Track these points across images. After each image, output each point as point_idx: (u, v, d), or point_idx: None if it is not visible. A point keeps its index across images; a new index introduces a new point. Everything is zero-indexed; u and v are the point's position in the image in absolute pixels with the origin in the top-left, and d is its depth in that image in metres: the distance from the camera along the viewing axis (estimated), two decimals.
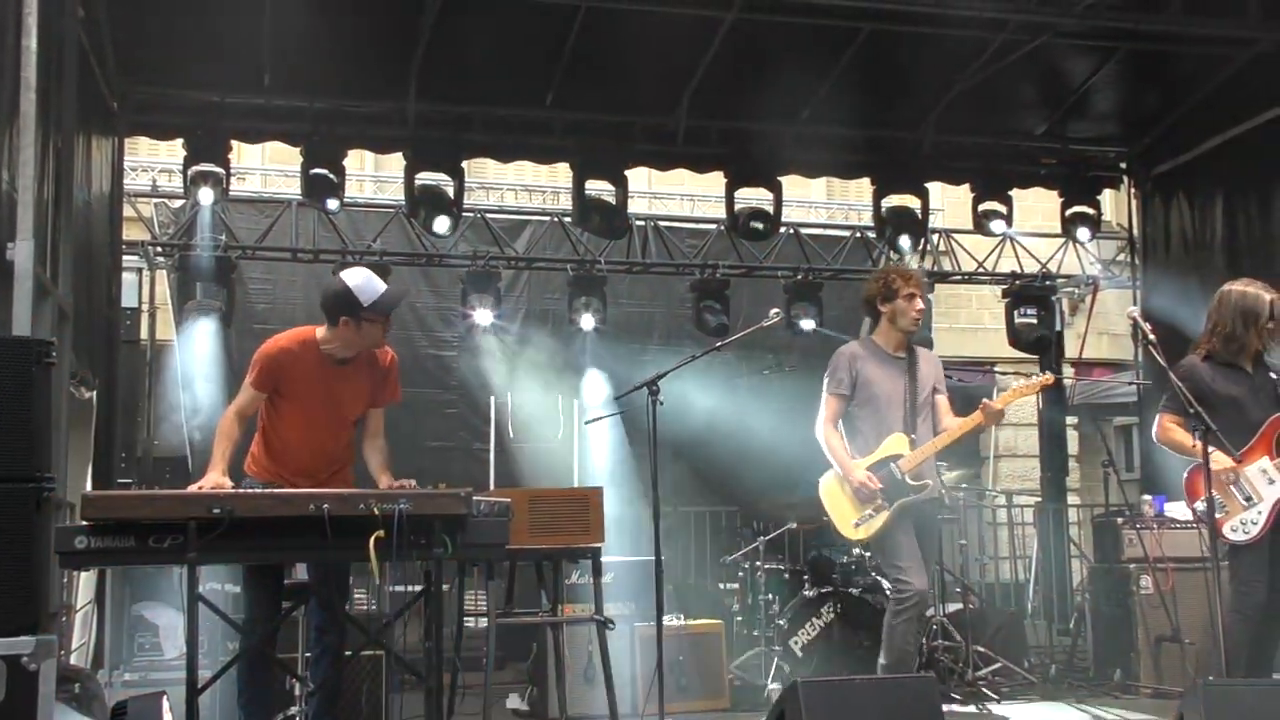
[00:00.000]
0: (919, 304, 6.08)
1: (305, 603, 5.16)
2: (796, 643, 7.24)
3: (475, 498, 4.66)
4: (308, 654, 5.24)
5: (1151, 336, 5.61)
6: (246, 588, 5.01)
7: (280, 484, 5.01)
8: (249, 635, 4.88)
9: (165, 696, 4.00)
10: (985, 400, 5.95)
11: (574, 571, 6.88)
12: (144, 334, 10.69)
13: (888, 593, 7.36)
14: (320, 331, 5.23)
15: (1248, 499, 5.49)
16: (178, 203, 10.77)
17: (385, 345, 5.32)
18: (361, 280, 5.11)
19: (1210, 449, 5.34)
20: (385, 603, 8.00)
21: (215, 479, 4.80)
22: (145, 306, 10.66)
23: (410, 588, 8.35)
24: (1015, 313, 10.48)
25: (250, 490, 4.79)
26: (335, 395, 5.16)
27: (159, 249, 10.17)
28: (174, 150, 11.30)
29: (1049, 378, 6.16)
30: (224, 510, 4.30)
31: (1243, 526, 5.47)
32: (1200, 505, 5.54)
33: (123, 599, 8.58)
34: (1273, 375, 5.74)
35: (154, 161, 11.73)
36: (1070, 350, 11.55)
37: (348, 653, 5.25)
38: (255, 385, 5.13)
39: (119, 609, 8.43)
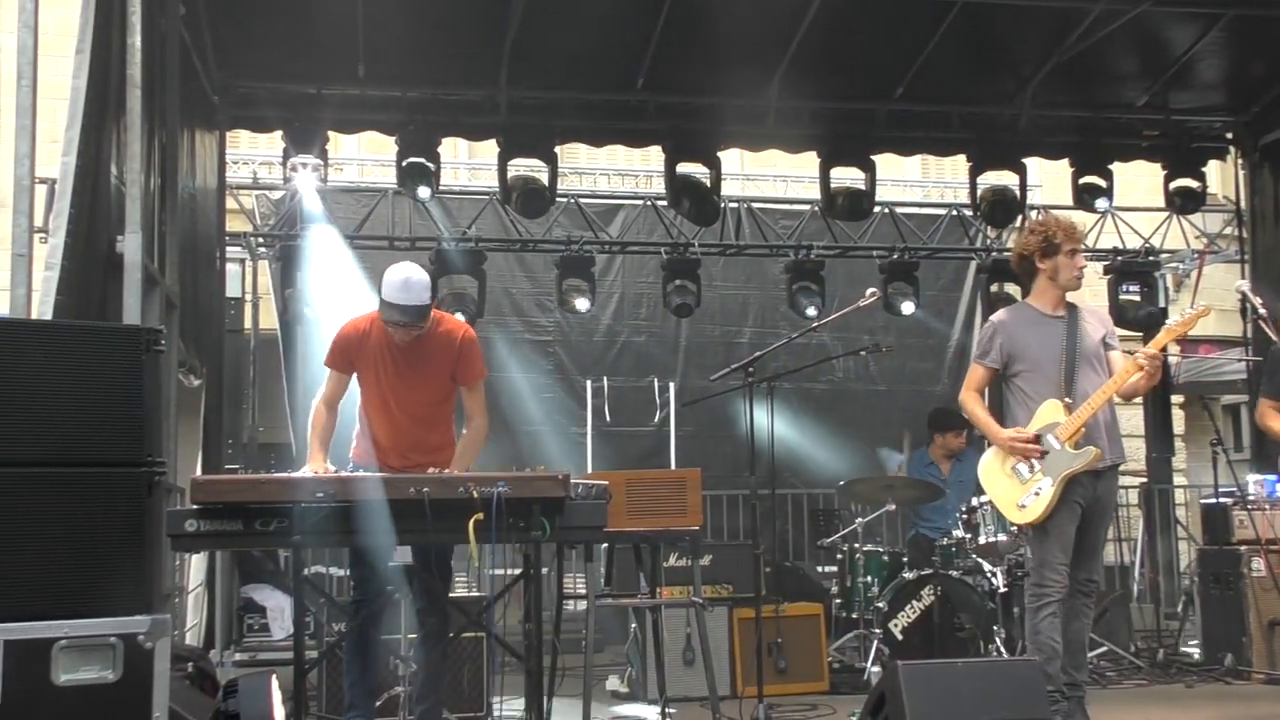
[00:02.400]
0: (1081, 260, 5.55)
1: (409, 585, 5.22)
2: (896, 625, 7.17)
3: (573, 480, 4.68)
4: (411, 635, 5.32)
5: (1262, 311, 5.46)
6: (353, 570, 5.09)
7: (383, 460, 5.09)
8: (354, 617, 4.97)
9: (274, 676, 4.09)
10: (1140, 351, 5.37)
11: (671, 554, 6.88)
12: (247, 323, 10.95)
13: (987, 574, 7.32)
14: None
15: None
16: (278, 194, 10.98)
17: (454, 321, 5.36)
18: (395, 279, 5.04)
19: None
20: (485, 585, 8.11)
21: (314, 468, 4.89)
22: (248, 296, 10.92)
23: (509, 571, 8.48)
24: (1118, 289, 10.26)
25: (351, 474, 4.86)
26: (408, 371, 5.20)
27: (261, 240, 10.38)
28: (274, 142, 11.50)
29: (1205, 309, 5.49)
30: (327, 494, 4.38)
31: None
32: None
33: (232, 582, 8.82)
34: None
35: (254, 154, 11.95)
36: None
37: (450, 635, 5.32)
38: (330, 364, 5.24)
39: (228, 591, 8.66)
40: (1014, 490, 5.46)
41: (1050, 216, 5.73)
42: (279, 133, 9.26)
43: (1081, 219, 10.22)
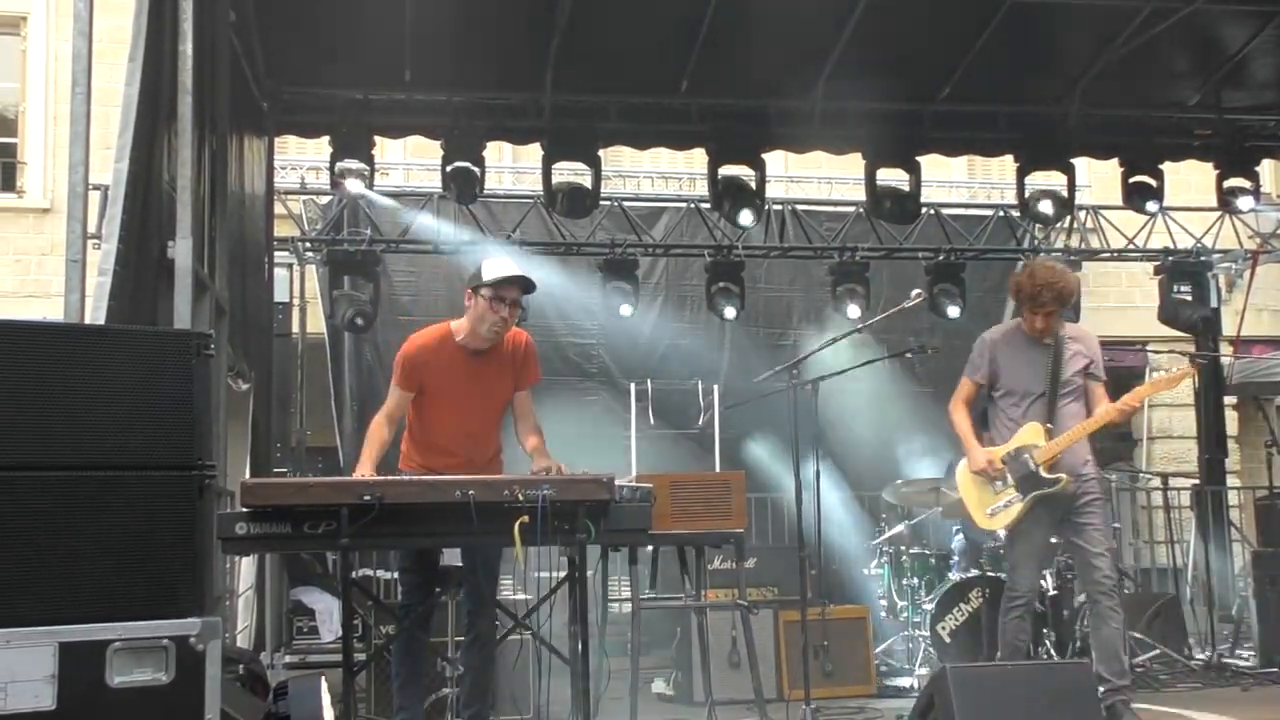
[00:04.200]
0: (1040, 324, 5.81)
1: (456, 588, 5.25)
2: (944, 628, 7.14)
3: (618, 483, 4.69)
4: (458, 638, 5.34)
5: None
6: (402, 573, 5.13)
7: (436, 472, 5.10)
8: (403, 619, 5.00)
9: (324, 678, 4.13)
10: (1122, 400, 5.72)
11: (716, 556, 6.87)
12: (295, 328, 11.04)
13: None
14: (457, 323, 5.34)
15: None
16: (325, 199, 11.07)
17: (514, 330, 5.37)
18: (495, 260, 5.25)
19: None
20: (530, 588, 8.13)
21: (362, 474, 4.92)
22: (296, 301, 11.01)
23: (554, 574, 8.50)
24: (1169, 290, 10.15)
25: (399, 478, 4.88)
26: (479, 383, 5.24)
27: (308, 244, 10.47)
28: (320, 148, 11.58)
29: (1189, 369, 6.03)
30: (374, 497, 4.41)
31: None
32: None
33: (281, 585, 8.89)
34: None
35: (301, 160, 12.06)
36: (1228, 328, 11.13)
37: (497, 638, 5.34)
38: (401, 385, 5.22)
39: (278, 594, 8.73)
40: (986, 498, 5.85)
41: (1036, 273, 5.90)
42: (324, 138, 9.35)
43: (1132, 218, 10.24)
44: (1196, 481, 10.65)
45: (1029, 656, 6.45)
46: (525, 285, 5.27)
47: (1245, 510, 10.84)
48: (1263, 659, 7.71)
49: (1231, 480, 11.96)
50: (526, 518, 4.44)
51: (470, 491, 4.45)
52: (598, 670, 5.61)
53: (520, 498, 4.47)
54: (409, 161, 12.56)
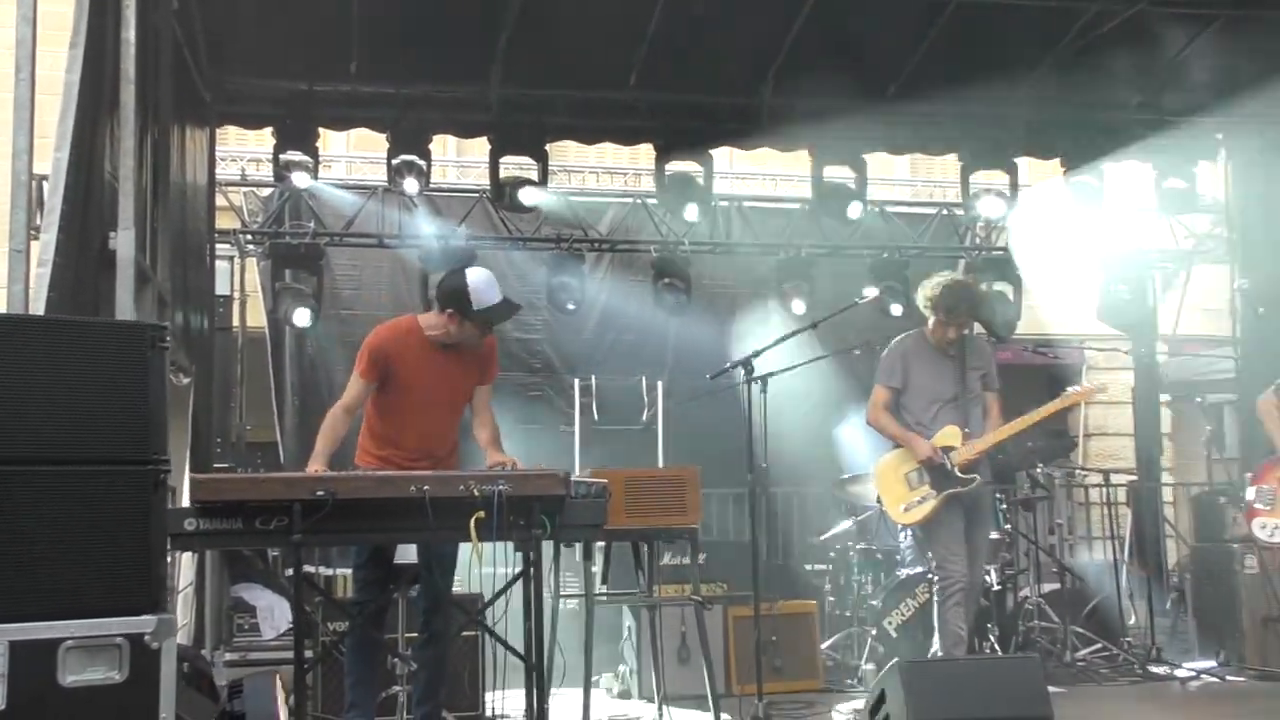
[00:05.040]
0: (952, 334, 6.28)
1: (410, 585, 5.20)
2: (891, 623, 7.19)
3: (573, 478, 4.67)
4: (409, 635, 5.29)
5: (1261, 310, 5.46)
6: (356, 569, 5.07)
7: (394, 468, 5.05)
8: (357, 616, 4.94)
9: (278, 675, 4.07)
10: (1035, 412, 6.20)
11: (666, 552, 6.86)
12: (235, 321, 10.88)
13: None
14: (424, 318, 5.32)
15: None
16: (266, 191, 10.92)
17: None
18: (481, 283, 5.16)
19: None
20: (476, 584, 8.08)
21: (315, 469, 4.85)
22: (237, 294, 10.85)
23: (508, 569, 8.45)
24: (1107, 288, 10.29)
25: (353, 473, 4.82)
26: (444, 376, 5.21)
27: (249, 237, 10.32)
28: (262, 139, 11.43)
29: (1088, 389, 6.43)
30: (327, 492, 4.35)
31: (1276, 527, 5.36)
32: (1252, 491, 5.52)
33: (221, 582, 8.76)
34: None
35: (243, 151, 11.89)
36: (1164, 326, 11.30)
37: (452, 635, 5.31)
38: (365, 375, 5.15)
39: (218, 591, 8.60)
40: (903, 494, 6.21)
41: (953, 287, 6.39)
42: (267, 129, 9.23)
43: (1071, 218, 10.35)
44: (1134, 478, 10.80)
45: (971, 644, 6.63)
46: (512, 312, 5.37)
47: (1178, 506, 11.03)
48: (1200, 652, 7.84)
49: (1166, 477, 12.14)
50: (482, 513, 4.41)
51: (425, 487, 4.42)
52: (550, 666, 5.58)
53: (476, 493, 4.44)
54: (352, 154, 12.44)
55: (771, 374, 6.30)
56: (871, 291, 6.48)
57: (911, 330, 6.70)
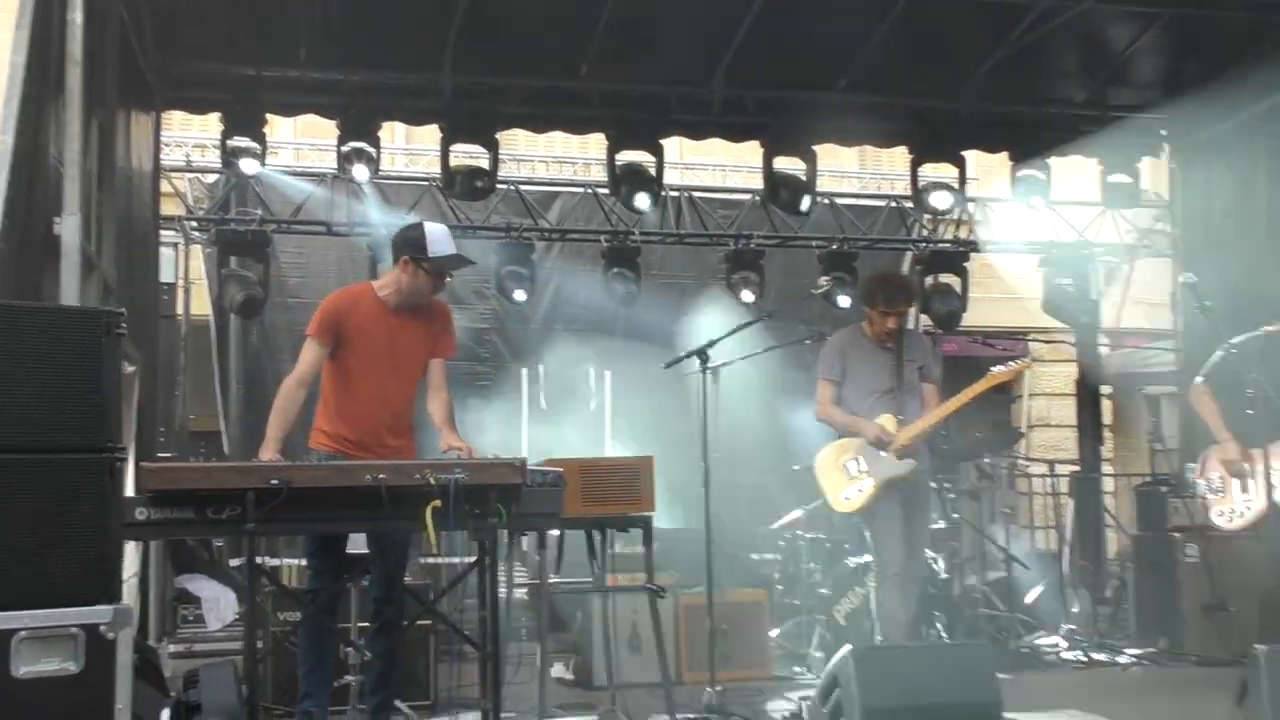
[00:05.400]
0: (890, 324, 6.33)
1: (362, 574, 5.18)
2: (840, 611, 7.24)
3: (529, 467, 4.67)
4: (360, 624, 5.27)
5: (1208, 303, 5.55)
6: (309, 558, 5.03)
7: (348, 450, 5.02)
8: (310, 605, 4.91)
9: (234, 665, 4.04)
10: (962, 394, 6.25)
11: (617, 541, 6.87)
12: (179, 309, 10.75)
13: (928, 560, 7.46)
14: (378, 281, 5.35)
15: (1245, 490, 5.45)
16: (211, 177, 10.80)
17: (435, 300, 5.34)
18: (437, 233, 5.21)
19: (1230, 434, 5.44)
20: (427, 574, 8.06)
21: (268, 456, 4.80)
22: (181, 282, 10.72)
23: (452, 560, 8.43)
24: (1052, 282, 10.42)
25: (307, 462, 4.78)
26: (396, 342, 5.20)
27: (195, 224, 10.19)
28: (207, 124, 11.31)
29: (1026, 363, 6.58)
30: (282, 481, 4.31)
31: (1228, 512, 5.46)
32: (1202, 482, 5.61)
33: (165, 572, 8.66)
34: None
35: (187, 136, 11.75)
36: (1107, 320, 11.47)
37: (405, 624, 5.29)
38: (318, 336, 5.11)
39: (162, 582, 8.50)
40: (841, 483, 6.31)
41: (890, 279, 6.60)
42: (212, 115, 9.12)
43: (1017, 211, 10.49)
44: (1076, 469, 10.94)
45: (917, 630, 6.73)
46: (464, 264, 5.39)
47: (1119, 496, 11.19)
48: (1141, 640, 7.97)
49: (1106, 468, 12.33)
50: (438, 502, 4.40)
51: (381, 476, 4.39)
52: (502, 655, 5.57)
53: (432, 482, 4.42)
54: (299, 141, 12.31)
55: (725, 363, 6.34)
56: (825, 281, 6.46)
57: (850, 325, 6.77)
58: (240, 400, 10.87)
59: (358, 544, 5.18)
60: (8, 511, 3.00)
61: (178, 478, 4.31)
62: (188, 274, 10.89)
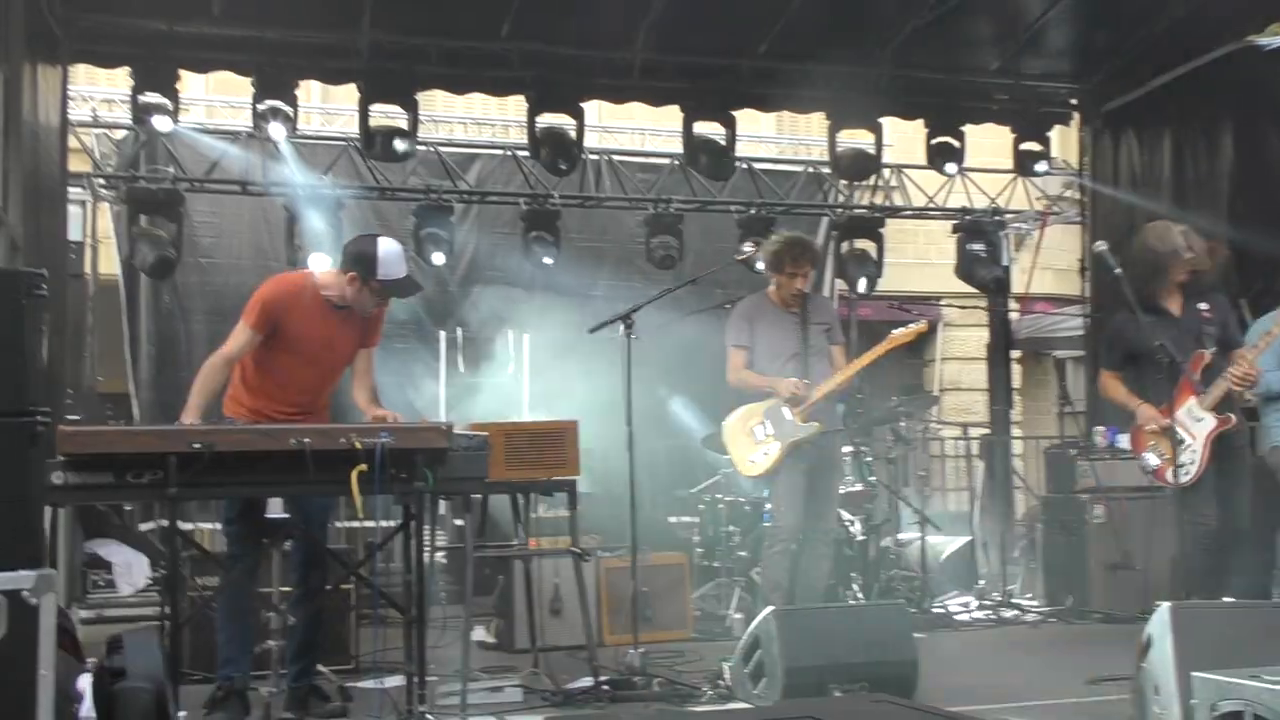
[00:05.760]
0: (799, 284, 6.40)
1: (283, 539, 5.14)
2: (758, 573, 7.32)
3: (455, 431, 4.66)
4: (283, 589, 5.23)
5: (1119, 270, 5.69)
6: (227, 524, 4.97)
7: (264, 422, 4.95)
8: (231, 571, 4.86)
9: (160, 630, 3.99)
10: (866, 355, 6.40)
11: (540, 505, 6.89)
12: (87, 268, 10.50)
13: (845, 523, 7.59)
14: (321, 276, 5.26)
15: (1181, 441, 5.64)
16: (120, 134, 10.53)
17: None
18: (390, 255, 5.11)
19: (1143, 401, 5.66)
20: (345, 539, 8.02)
21: (189, 421, 4.74)
22: (89, 240, 10.47)
23: (368, 524, 8.38)
24: (965, 247, 10.58)
25: (230, 426, 4.73)
26: (331, 336, 5.15)
27: (103, 181, 9.95)
28: (114, 79, 11.02)
29: (923, 325, 6.68)
30: (204, 445, 4.27)
31: (1182, 469, 5.63)
32: (1146, 457, 5.78)
33: (74, 537, 8.51)
34: (1202, 308, 5.86)
35: (94, 90, 11.42)
36: (1016, 285, 11.69)
37: (327, 587, 5.26)
38: (255, 327, 5.01)
39: (71, 547, 8.35)
40: (748, 448, 6.37)
41: (793, 241, 6.56)
42: (120, 70, 8.90)
43: (931, 178, 10.63)
44: (987, 432, 11.17)
45: (834, 592, 6.91)
46: (413, 290, 5.41)
47: (1027, 459, 11.45)
48: (1049, 598, 8.19)
49: (1015, 431, 12.60)
50: (364, 465, 4.38)
51: (306, 440, 4.36)
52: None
53: (358, 445, 4.40)
54: (211, 97, 12.05)
55: (635, 309, 6.29)
56: (749, 248, 6.50)
57: (755, 292, 6.82)
58: (152, 361, 10.66)
59: (276, 509, 5.14)
60: None
61: (96, 441, 4.26)
62: (95, 232, 10.63)
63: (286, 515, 5.07)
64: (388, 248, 5.13)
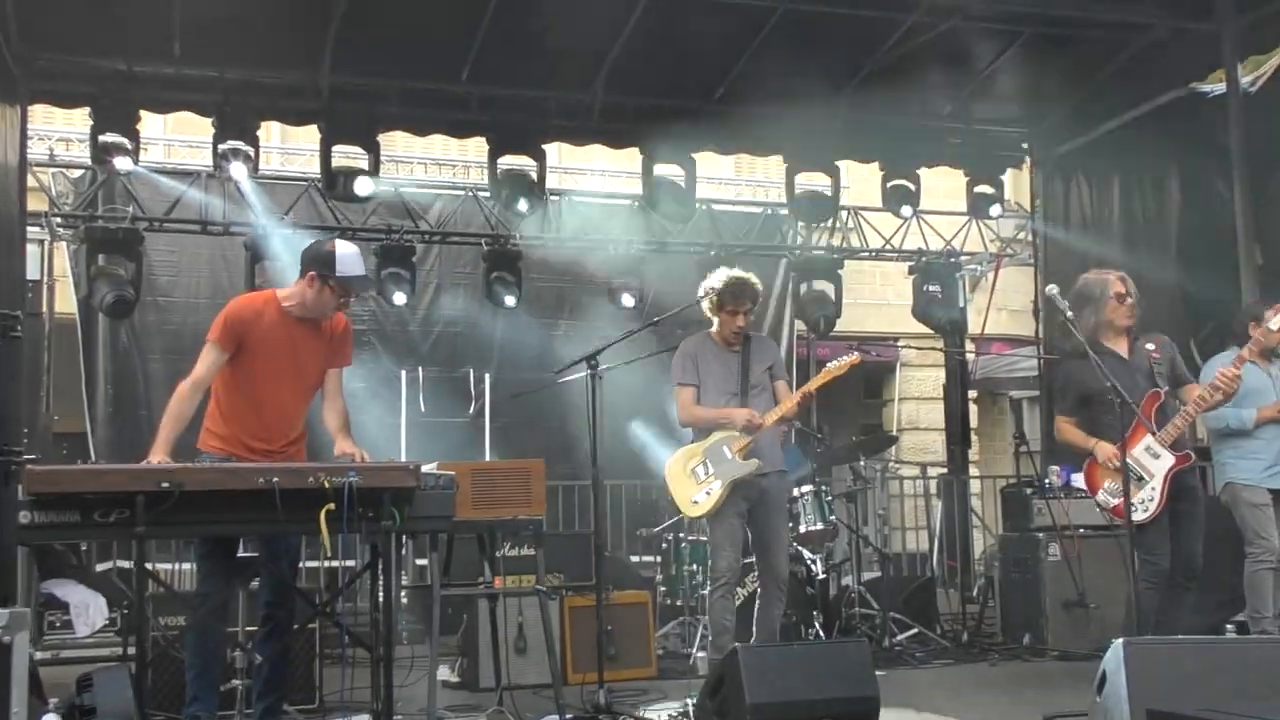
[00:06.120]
0: (739, 322, 6.41)
1: (251, 577, 5.14)
2: None
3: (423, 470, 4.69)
4: (249, 628, 5.21)
5: (1070, 314, 5.82)
6: (200, 560, 4.96)
7: (239, 453, 4.95)
8: (199, 608, 4.85)
9: (129, 668, 3.98)
10: (802, 389, 6.34)
11: (506, 544, 6.91)
12: (44, 307, 10.44)
13: (806, 562, 7.65)
14: (282, 290, 5.31)
15: (1139, 479, 5.75)
16: (76, 172, 10.53)
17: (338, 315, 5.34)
18: (348, 253, 5.19)
19: (1097, 442, 5.84)
20: (308, 578, 7.97)
21: (158, 460, 4.72)
22: (45, 279, 10.41)
23: (332, 563, 8.36)
24: (921, 288, 10.73)
25: (198, 464, 4.72)
26: (297, 352, 5.17)
27: (60, 220, 9.91)
28: (70, 119, 11.02)
29: (856, 358, 6.49)
30: (173, 484, 4.27)
31: (1141, 505, 5.73)
32: (1101, 496, 5.88)
33: (30, 578, 8.41)
34: (1149, 349, 6.00)
35: (50, 130, 11.41)
36: (972, 326, 11.86)
37: (294, 626, 5.25)
38: (220, 342, 5.02)
39: (27, 588, 8.26)
40: (690, 488, 6.26)
41: (734, 280, 6.53)
42: (77, 109, 8.92)
43: (888, 220, 10.79)
44: (944, 471, 11.28)
45: (796, 630, 6.93)
46: (370, 287, 5.38)
47: (984, 498, 11.56)
48: (1006, 635, 8.27)
49: (972, 470, 12.72)
50: (332, 505, 4.40)
51: (275, 479, 4.38)
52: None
53: (326, 485, 4.42)
54: (170, 137, 12.05)
55: (599, 351, 6.38)
56: (708, 288, 6.54)
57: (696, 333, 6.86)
58: (109, 400, 10.64)
59: (245, 547, 5.13)
60: None
61: (65, 480, 4.24)
62: (51, 271, 10.58)
63: (254, 554, 5.06)
64: (344, 248, 5.21)
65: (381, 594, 4.79)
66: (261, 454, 4.97)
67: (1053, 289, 5.99)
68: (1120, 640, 4.39)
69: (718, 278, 6.67)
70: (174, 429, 4.86)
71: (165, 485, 4.25)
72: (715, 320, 6.53)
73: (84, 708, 3.43)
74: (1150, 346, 6.02)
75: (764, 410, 6.30)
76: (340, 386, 5.34)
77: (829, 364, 6.37)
